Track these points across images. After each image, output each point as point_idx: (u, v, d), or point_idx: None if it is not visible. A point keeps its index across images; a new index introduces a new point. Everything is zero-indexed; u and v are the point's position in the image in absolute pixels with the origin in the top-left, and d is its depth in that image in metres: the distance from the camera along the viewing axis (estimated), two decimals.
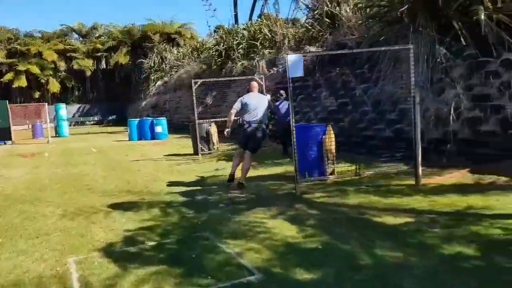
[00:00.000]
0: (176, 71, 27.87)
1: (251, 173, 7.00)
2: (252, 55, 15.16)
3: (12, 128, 23.83)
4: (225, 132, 6.44)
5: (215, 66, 19.79)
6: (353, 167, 6.07)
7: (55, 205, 5.75)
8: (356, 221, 4.27)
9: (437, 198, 4.89)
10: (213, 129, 10.98)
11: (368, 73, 8.19)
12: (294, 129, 5.54)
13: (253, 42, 15.42)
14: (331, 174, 6.00)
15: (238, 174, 6.32)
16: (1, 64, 36.94)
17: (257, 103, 6.24)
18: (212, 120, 10.87)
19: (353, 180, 5.96)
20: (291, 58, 5.24)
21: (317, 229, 4.03)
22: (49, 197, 6.27)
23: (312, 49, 10.73)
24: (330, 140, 5.96)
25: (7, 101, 19.76)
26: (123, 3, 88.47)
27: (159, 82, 31.28)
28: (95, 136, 22.72)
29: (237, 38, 17.90)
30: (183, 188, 6.44)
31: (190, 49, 28.07)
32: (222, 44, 19.45)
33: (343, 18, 9.55)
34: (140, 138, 17.77)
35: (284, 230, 4.05)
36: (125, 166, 9.52)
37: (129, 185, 6.95)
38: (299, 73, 5.28)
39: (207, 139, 10.66)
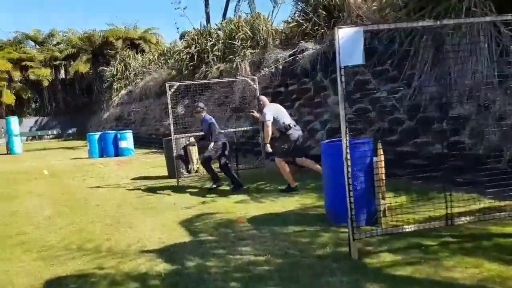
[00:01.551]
0: (142, 79, 25.57)
1: (258, 211, 5.11)
2: (231, 56, 13.24)
3: None
4: (267, 149, 6.37)
5: (186, 71, 17.73)
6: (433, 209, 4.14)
7: None
8: None
9: None
10: (192, 146, 8.93)
11: (392, 71, 6.44)
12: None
13: (232, 42, 13.51)
14: (383, 214, 4.08)
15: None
16: None
17: (281, 108, 6.52)
18: (190, 134, 8.82)
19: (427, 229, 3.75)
20: (345, 34, 3.33)
21: None
22: None
23: (309, 45, 8.93)
24: (381, 164, 4.04)
25: None
26: (83, 9, 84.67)
27: (123, 92, 28.80)
28: (52, 152, 20.06)
29: (211, 39, 15.94)
30: (163, 241, 4.41)
31: (156, 55, 25.84)
32: (194, 46, 17.45)
33: (352, 5, 7.79)
34: (102, 155, 15.46)
35: None
36: (80, 198, 7.34)
37: (82, 236, 4.84)
38: (357, 59, 3.36)
39: (185, 158, 8.60)
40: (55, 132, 35.38)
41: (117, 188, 8.05)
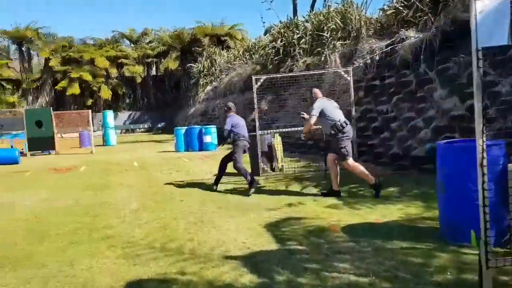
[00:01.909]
0: (227, 75, 25.89)
1: (354, 219, 4.51)
2: (319, 49, 12.58)
3: (63, 136, 22.98)
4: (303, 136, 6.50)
5: (271, 66, 17.43)
6: None
7: (38, 281, 3.51)
8: None
9: None
10: (277, 142, 8.51)
11: None
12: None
13: (320, 34, 12.82)
14: None
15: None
16: (56, 72, 37.02)
17: (333, 104, 6.09)
18: (276, 130, 8.38)
19: None
20: (485, 7, 2.58)
21: None
22: (40, 258, 4.05)
23: (410, 34, 7.97)
24: None
25: (54, 109, 18.49)
26: (174, 7, 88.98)
27: (208, 87, 29.56)
28: (142, 145, 21.14)
29: (298, 32, 15.39)
30: (248, 246, 4.00)
31: (241, 50, 25.97)
32: (279, 40, 17.08)
33: None
34: (187, 149, 15.77)
35: None
36: (166, 191, 7.29)
37: (165, 233, 4.62)
38: (500, 38, 2.59)
39: (269, 155, 8.20)
40: (146, 126, 37.57)
41: (201, 183, 7.90)
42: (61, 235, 4.79)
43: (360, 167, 5.80)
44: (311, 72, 10.11)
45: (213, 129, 15.80)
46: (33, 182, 9.40)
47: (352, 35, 11.26)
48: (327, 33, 12.28)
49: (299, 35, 14.90)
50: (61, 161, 14.41)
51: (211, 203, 6.11)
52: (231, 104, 7.26)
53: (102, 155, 15.73)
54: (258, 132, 7.93)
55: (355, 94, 8.18)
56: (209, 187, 7.34)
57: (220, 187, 7.20)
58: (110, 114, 22.40)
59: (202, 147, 15.62)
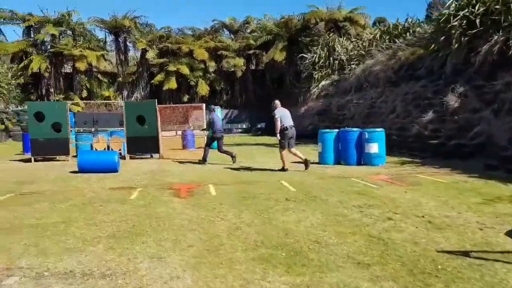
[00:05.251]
0: (357, 64, 20.73)
1: None
2: None
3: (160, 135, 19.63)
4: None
5: (457, 45, 12.06)
6: None
7: None
8: None
9: None
10: None
11: None
12: None
13: None
14: None
15: None
16: (152, 65, 34.68)
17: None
18: None
19: None
20: None
21: None
22: None
23: None
24: None
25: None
26: None
27: (324, 82, 24.64)
28: (257, 151, 16.76)
29: None
30: None
31: (378, 33, 20.65)
32: (477, 5, 11.70)
33: None
34: (338, 161, 11.01)
35: None
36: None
37: None
38: None
39: None
40: (244, 126, 33.73)
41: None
42: None
43: (288, 154, 9.61)
44: None
45: (380, 134, 10.81)
46: (146, 221, 5.15)
47: None
48: None
49: None
50: (172, 170, 10.44)
51: None
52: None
53: (220, 165, 11.53)
54: None
55: None
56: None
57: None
58: (218, 110, 18.43)
59: (362, 159, 10.74)
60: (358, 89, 18.71)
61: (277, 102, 10.01)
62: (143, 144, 13.38)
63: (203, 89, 32.47)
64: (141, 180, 8.83)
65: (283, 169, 9.70)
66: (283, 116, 9.64)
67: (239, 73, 32.27)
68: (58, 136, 13.26)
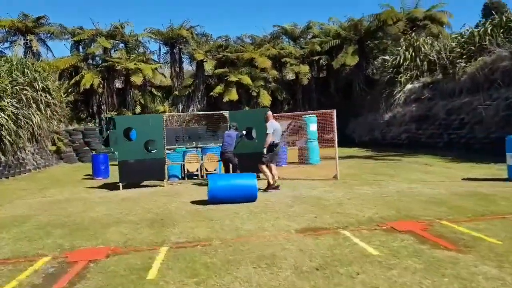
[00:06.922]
0: (466, 64, 18.03)
1: None
2: None
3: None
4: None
5: None
6: None
7: None
8: None
9: None
10: None
11: None
12: None
13: None
14: None
15: None
16: (209, 76, 32.99)
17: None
18: None
19: None
20: None
21: None
22: None
23: None
24: None
25: None
26: None
27: (412, 85, 22.04)
28: (364, 164, 14.35)
29: None
30: None
31: (489, 27, 17.92)
32: None
33: None
34: None
35: None
36: None
37: None
38: None
39: None
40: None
41: None
42: None
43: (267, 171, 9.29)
44: None
45: None
46: None
47: None
48: None
49: None
50: (303, 194, 8.17)
51: None
52: None
53: (348, 188, 9.18)
54: None
55: None
56: None
57: None
58: (313, 119, 16.25)
59: None
60: (474, 89, 16.03)
61: (270, 113, 9.73)
62: (254, 162, 11.23)
63: (265, 99, 30.37)
64: (272, 221, 6.42)
65: (270, 187, 9.28)
66: (275, 131, 9.39)
67: (305, 81, 29.97)
68: (152, 157, 11.24)
